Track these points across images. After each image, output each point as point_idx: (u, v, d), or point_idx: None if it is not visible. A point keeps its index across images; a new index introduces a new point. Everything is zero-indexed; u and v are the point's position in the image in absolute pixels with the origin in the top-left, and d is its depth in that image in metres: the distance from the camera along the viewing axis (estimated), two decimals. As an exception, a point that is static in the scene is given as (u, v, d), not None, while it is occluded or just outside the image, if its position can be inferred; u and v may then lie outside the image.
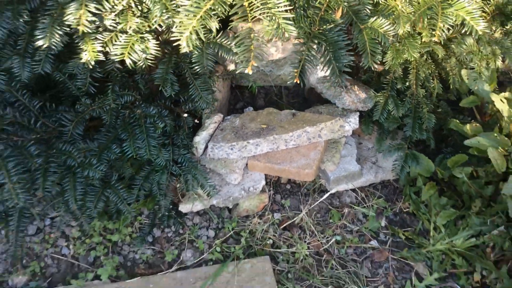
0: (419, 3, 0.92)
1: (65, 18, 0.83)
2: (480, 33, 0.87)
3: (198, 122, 1.38)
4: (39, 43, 0.91)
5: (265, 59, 1.50)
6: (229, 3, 0.78)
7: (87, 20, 0.84)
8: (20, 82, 1.09)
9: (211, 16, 0.76)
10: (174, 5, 0.80)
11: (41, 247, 1.27)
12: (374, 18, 0.89)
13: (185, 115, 1.30)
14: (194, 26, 0.72)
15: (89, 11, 0.84)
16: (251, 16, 0.80)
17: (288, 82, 1.62)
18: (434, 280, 1.25)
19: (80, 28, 0.82)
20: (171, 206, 1.34)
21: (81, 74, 1.14)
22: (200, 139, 1.32)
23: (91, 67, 1.01)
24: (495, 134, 1.25)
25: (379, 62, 1.06)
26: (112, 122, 1.18)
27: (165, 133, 1.24)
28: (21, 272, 1.23)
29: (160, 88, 1.17)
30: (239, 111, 1.60)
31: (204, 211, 1.38)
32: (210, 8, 0.74)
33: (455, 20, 0.88)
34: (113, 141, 1.14)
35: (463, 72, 1.30)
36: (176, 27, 0.80)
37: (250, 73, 0.85)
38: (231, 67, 1.50)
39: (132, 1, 0.87)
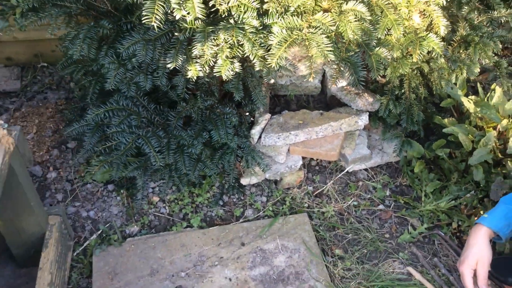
0: (405, 37, 1.46)
1: (192, 52, 1.37)
2: (441, 55, 1.40)
3: (253, 119, 1.91)
4: (169, 65, 1.46)
5: (298, 73, 2.05)
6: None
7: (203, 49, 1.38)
8: (143, 91, 1.64)
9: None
10: (259, 42, 1.33)
11: (147, 207, 1.81)
12: (378, 47, 1.43)
13: (246, 114, 1.85)
14: (278, 56, 1.25)
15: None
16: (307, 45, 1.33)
17: (313, 92, 2.16)
18: (424, 229, 1.77)
19: (205, 57, 1.35)
20: (235, 180, 1.87)
21: (180, 85, 1.68)
22: (255, 131, 1.86)
23: (193, 80, 1.55)
24: (466, 125, 1.78)
25: (382, 76, 1.59)
26: (199, 119, 1.72)
27: (234, 126, 1.78)
28: (135, 224, 1.77)
29: (230, 94, 1.71)
30: (278, 113, 2.13)
31: (258, 184, 1.91)
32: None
33: (429, 48, 1.41)
34: (202, 130, 1.68)
35: (443, 82, 1.83)
36: (256, 58, 1.33)
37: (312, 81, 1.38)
38: (272, 81, 2.05)
39: (230, 40, 1.40)
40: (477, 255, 1.33)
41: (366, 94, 1.98)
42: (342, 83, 2.02)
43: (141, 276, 1.58)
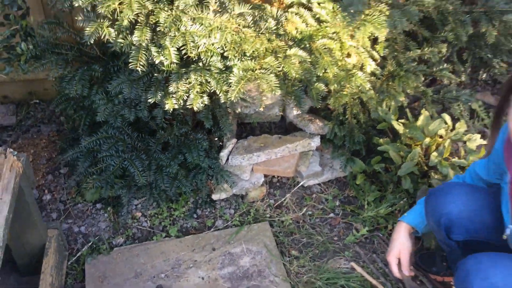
0: (338, 74, 1.84)
1: (169, 89, 1.70)
2: (369, 88, 1.78)
3: (221, 144, 2.24)
4: (150, 100, 1.78)
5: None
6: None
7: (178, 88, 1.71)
8: (128, 122, 1.96)
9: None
10: (223, 80, 1.68)
11: (131, 221, 2.10)
12: (317, 83, 1.80)
13: (216, 139, 2.18)
14: (237, 91, 1.60)
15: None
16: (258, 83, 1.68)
17: (275, 119, 2.52)
18: (366, 231, 2.11)
19: (180, 93, 1.68)
20: (207, 196, 2.18)
21: (159, 116, 2.00)
22: (223, 154, 2.19)
23: (170, 112, 1.88)
24: (397, 144, 2.15)
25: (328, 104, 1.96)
26: (175, 144, 2.04)
27: (205, 150, 2.10)
28: (120, 236, 2.05)
29: (202, 123, 2.04)
30: (243, 138, 2.47)
31: (227, 198, 2.23)
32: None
33: (357, 83, 1.79)
34: (178, 153, 2.00)
35: (379, 108, 2.21)
36: (222, 93, 1.67)
37: (262, 109, 1.73)
38: (239, 110, 2.40)
39: (199, 79, 1.74)
40: (399, 246, 1.67)
41: (317, 120, 2.34)
42: (298, 111, 2.38)
43: (127, 278, 1.86)
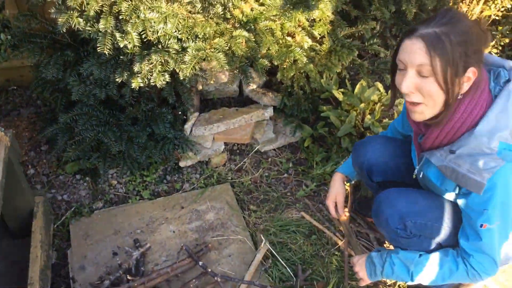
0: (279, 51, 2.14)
1: (134, 69, 1.97)
2: (305, 64, 2.09)
3: (185, 117, 2.53)
4: (117, 80, 2.05)
5: (220, 81, 2.69)
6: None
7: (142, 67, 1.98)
8: (99, 100, 2.22)
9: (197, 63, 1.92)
10: (180, 60, 1.96)
11: (108, 188, 2.38)
12: (261, 59, 2.09)
13: (179, 113, 2.47)
14: (191, 68, 1.88)
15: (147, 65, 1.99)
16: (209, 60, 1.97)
17: (233, 94, 2.81)
18: (314, 186, 2.44)
19: (143, 72, 1.96)
20: (175, 164, 2.48)
21: (127, 94, 2.27)
22: (187, 126, 2.48)
23: (136, 90, 2.15)
24: (338, 110, 2.48)
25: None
26: (143, 118, 2.32)
27: (170, 123, 2.38)
28: (99, 202, 2.33)
29: (166, 99, 2.32)
30: (207, 111, 2.76)
31: (193, 165, 2.53)
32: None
33: (295, 57, 2.10)
34: (146, 126, 2.28)
35: (322, 81, 2.52)
36: (180, 71, 1.95)
37: (215, 84, 2.02)
38: (200, 87, 2.68)
39: (160, 59, 2.01)
40: (335, 192, 1.99)
41: (270, 93, 2.65)
42: (253, 86, 2.68)
43: (107, 235, 2.15)
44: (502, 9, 2.83)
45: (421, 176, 1.61)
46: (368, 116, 2.37)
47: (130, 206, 2.29)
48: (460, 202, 1.47)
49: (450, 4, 2.78)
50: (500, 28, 2.87)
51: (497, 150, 1.30)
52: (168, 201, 2.33)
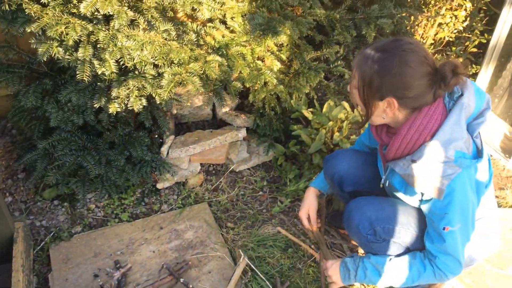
0: (250, 74, 2.27)
1: (112, 94, 2.05)
2: (276, 86, 2.22)
3: (162, 140, 2.61)
4: (95, 105, 2.13)
5: (194, 105, 2.79)
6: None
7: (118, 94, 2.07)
8: (77, 126, 2.28)
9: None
10: (157, 85, 2.06)
11: (86, 213, 2.42)
12: (234, 82, 2.22)
13: (156, 136, 2.55)
14: (168, 92, 1.97)
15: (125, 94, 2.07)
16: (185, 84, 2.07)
17: (207, 118, 2.91)
18: (288, 202, 2.54)
19: (121, 97, 2.04)
20: (152, 186, 2.54)
21: (104, 120, 2.34)
22: (164, 148, 2.55)
23: (114, 115, 2.23)
24: (308, 129, 2.61)
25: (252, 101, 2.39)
26: (120, 142, 2.39)
27: (147, 145, 2.46)
28: (78, 226, 2.37)
29: (143, 123, 2.40)
30: (182, 134, 2.85)
31: (170, 187, 2.60)
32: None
33: (265, 80, 2.22)
34: (124, 150, 2.35)
35: (292, 102, 2.66)
36: (156, 95, 2.05)
37: (191, 107, 2.12)
38: (175, 111, 2.77)
39: (137, 84, 2.10)
40: (307, 205, 2.10)
41: (242, 115, 2.77)
42: (226, 109, 2.80)
43: (87, 258, 2.19)
44: (455, 31, 3.07)
45: (387, 185, 1.74)
46: (337, 133, 2.51)
47: (109, 229, 2.33)
48: (424, 207, 1.60)
49: (408, 28, 2.99)
50: (454, 48, 3.10)
51: (454, 159, 1.44)
52: (147, 222, 2.39)
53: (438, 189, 1.45)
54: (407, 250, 1.73)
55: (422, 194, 1.59)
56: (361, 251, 2.27)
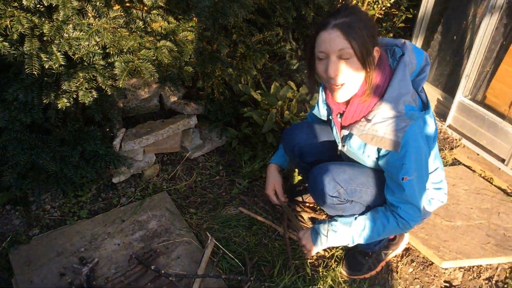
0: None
1: (62, 88, 2.00)
2: (227, 66, 2.28)
3: (112, 134, 2.57)
4: (44, 101, 2.06)
5: (140, 97, 2.77)
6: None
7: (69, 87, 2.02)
8: (25, 125, 2.20)
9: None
10: (108, 75, 2.03)
11: (42, 214, 2.34)
12: (186, 66, 2.24)
13: (107, 129, 2.51)
14: (122, 79, 1.96)
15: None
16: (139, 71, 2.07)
17: (155, 109, 2.90)
18: (246, 183, 2.61)
19: (72, 90, 1.99)
20: (108, 181, 2.50)
21: (52, 117, 2.27)
22: (116, 142, 2.52)
23: (63, 110, 2.17)
24: (258, 110, 2.69)
25: (199, 89, 2.41)
26: (71, 139, 2.33)
27: (99, 139, 2.41)
28: (35, 228, 2.29)
29: (92, 118, 2.36)
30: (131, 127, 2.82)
31: (126, 180, 2.57)
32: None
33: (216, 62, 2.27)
34: (76, 145, 2.30)
35: (239, 85, 2.72)
36: (107, 87, 2.03)
37: (144, 94, 2.11)
38: (121, 105, 2.74)
39: (87, 76, 2.06)
40: (272, 181, 2.18)
41: (192, 103, 2.79)
42: (174, 98, 2.80)
43: (51, 258, 2.12)
44: (384, 8, 3.27)
45: (345, 149, 1.86)
46: (287, 112, 2.61)
47: (69, 227, 2.28)
48: (381, 162, 1.72)
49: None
50: (384, 24, 3.30)
51: (404, 112, 1.57)
52: (108, 217, 2.35)
53: (394, 142, 1.57)
54: (368, 209, 1.86)
55: (379, 151, 1.71)
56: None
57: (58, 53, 1.96)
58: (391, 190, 1.72)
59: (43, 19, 1.95)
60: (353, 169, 1.82)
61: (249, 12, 2.42)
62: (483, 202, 2.46)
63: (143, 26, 2.12)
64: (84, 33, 1.95)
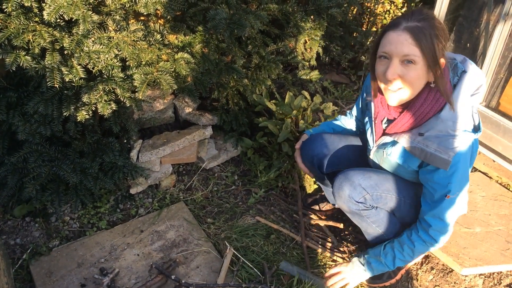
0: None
1: (82, 100, 2.03)
2: (243, 78, 2.30)
3: (129, 146, 2.60)
4: (64, 114, 2.10)
5: (155, 109, 2.80)
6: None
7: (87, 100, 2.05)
8: (45, 138, 2.23)
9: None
10: (127, 87, 2.06)
11: (61, 225, 2.36)
12: (203, 77, 2.27)
13: (124, 141, 2.53)
14: (142, 91, 1.99)
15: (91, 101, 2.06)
16: (158, 82, 2.10)
17: (170, 120, 2.93)
18: (262, 192, 2.62)
19: (92, 102, 2.03)
20: (126, 192, 2.53)
21: (71, 129, 2.30)
22: (134, 153, 2.55)
23: (82, 123, 2.20)
24: (273, 120, 2.71)
25: (215, 100, 2.43)
26: (90, 150, 2.36)
27: (117, 151, 2.44)
28: (55, 240, 2.31)
29: (110, 130, 2.39)
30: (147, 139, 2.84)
31: (144, 191, 2.59)
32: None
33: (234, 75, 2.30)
34: (95, 157, 2.32)
35: (254, 96, 2.75)
36: (126, 98, 2.06)
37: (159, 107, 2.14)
38: (136, 116, 2.77)
39: (106, 88, 2.10)
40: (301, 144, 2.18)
41: (207, 113, 2.81)
42: (189, 109, 2.83)
43: (71, 269, 2.14)
44: (395, 17, 3.30)
45: (379, 156, 1.84)
46: (301, 121, 2.63)
47: (89, 238, 2.30)
48: (424, 176, 1.70)
49: (350, 18, 3.18)
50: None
51: (460, 132, 1.55)
52: (126, 227, 2.37)
53: (445, 160, 1.56)
54: (392, 216, 1.86)
55: (423, 164, 1.68)
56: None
57: (78, 66, 2.00)
58: (429, 205, 1.71)
59: (64, 33, 1.99)
60: (378, 175, 1.82)
61: (263, 24, 2.46)
62: (501, 208, 2.45)
63: (160, 39, 2.16)
64: (104, 46, 1.99)
